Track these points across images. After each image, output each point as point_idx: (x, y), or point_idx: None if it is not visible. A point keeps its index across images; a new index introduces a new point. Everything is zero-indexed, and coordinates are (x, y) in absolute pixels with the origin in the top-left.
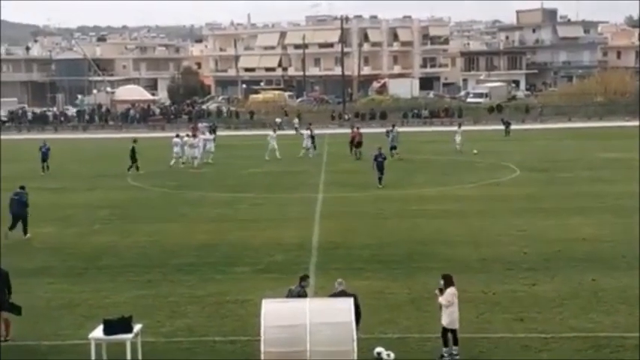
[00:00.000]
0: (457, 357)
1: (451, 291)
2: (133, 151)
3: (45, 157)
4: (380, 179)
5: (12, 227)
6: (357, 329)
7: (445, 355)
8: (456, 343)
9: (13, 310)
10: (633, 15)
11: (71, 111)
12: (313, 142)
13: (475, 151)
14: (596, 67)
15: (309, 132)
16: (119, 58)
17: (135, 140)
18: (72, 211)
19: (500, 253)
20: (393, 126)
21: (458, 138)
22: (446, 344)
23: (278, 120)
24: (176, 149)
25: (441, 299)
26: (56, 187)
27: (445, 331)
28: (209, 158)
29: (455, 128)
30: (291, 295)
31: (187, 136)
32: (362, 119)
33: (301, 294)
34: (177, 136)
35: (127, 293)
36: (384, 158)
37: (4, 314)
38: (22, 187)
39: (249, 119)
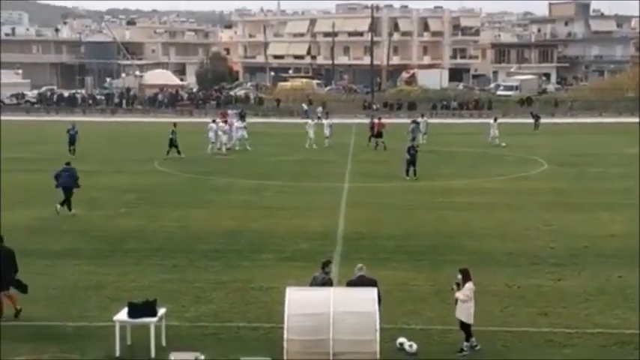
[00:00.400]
0: (477, 347)
1: (469, 286)
2: (172, 134)
3: (72, 140)
4: (408, 171)
5: (64, 202)
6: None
7: (465, 348)
8: (468, 338)
9: (19, 288)
10: None
11: (98, 93)
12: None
13: (504, 144)
14: (629, 62)
15: (329, 121)
16: (148, 42)
17: (175, 125)
18: (99, 194)
19: (526, 247)
20: (422, 115)
21: (493, 131)
22: (467, 338)
23: (305, 107)
24: (210, 134)
25: (459, 294)
26: (83, 170)
27: (464, 325)
28: (246, 145)
29: (490, 121)
30: (315, 282)
31: (217, 122)
32: (390, 109)
33: (326, 281)
34: (214, 121)
35: (153, 277)
36: (417, 150)
37: (8, 292)
38: (68, 163)
39: (275, 107)
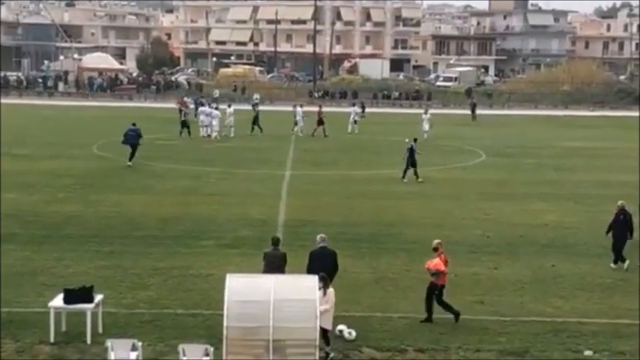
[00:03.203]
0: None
1: (332, 291)
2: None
3: None
4: (405, 172)
5: (132, 157)
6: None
7: (330, 352)
8: (329, 342)
9: None
10: (602, 6)
11: (35, 76)
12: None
13: (407, 140)
14: (564, 56)
15: (231, 109)
16: (88, 24)
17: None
18: (36, 179)
19: (464, 236)
20: (355, 105)
21: (425, 125)
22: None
23: (256, 96)
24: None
25: (325, 305)
26: (20, 154)
27: (325, 331)
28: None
29: (421, 112)
30: (265, 256)
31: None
32: (332, 98)
33: (278, 255)
34: (229, 105)
35: (89, 263)
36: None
37: None
38: (134, 124)
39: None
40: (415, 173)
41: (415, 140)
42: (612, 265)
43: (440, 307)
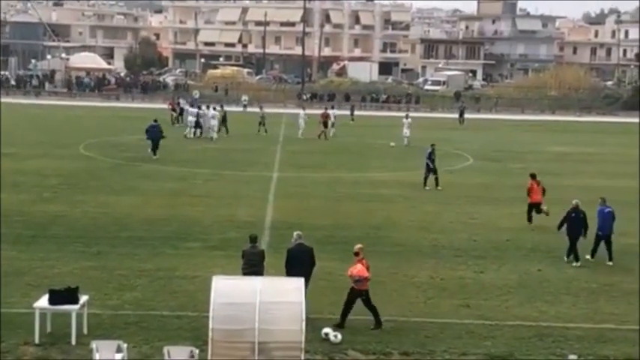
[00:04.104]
0: None
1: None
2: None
3: None
4: (427, 179)
5: (154, 150)
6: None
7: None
8: None
9: None
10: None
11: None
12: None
13: (392, 144)
14: (552, 62)
15: (214, 112)
16: (75, 24)
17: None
18: (23, 178)
19: (450, 239)
20: (333, 107)
21: (406, 130)
22: None
23: (245, 98)
24: (214, 122)
25: None
26: (7, 153)
27: None
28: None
29: (402, 117)
30: (244, 254)
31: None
32: (320, 100)
33: (256, 252)
34: (214, 108)
35: (75, 264)
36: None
37: None
38: (155, 120)
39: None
40: (436, 180)
41: (433, 146)
42: (565, 258)
43: (427, 310)
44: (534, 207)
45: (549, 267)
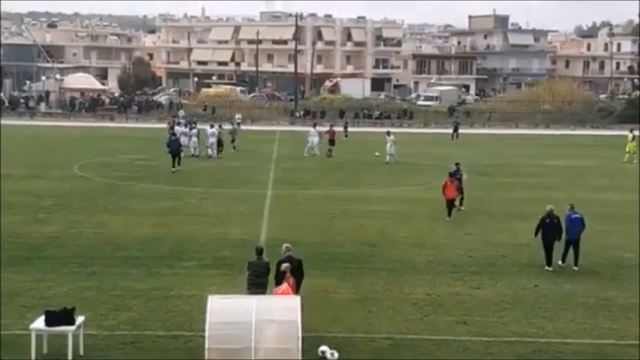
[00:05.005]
0: None
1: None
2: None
3: None
4: (462, 201)
5: (174, 164)
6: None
7: None
8: None
9: None
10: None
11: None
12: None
13: (377, 154)
14: (545, 75)
15: (195, 130)
16: (69, 45)
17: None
18: (17, 199)
19: (446, 255)
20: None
21: (389, 147)
22: None
23: (238, 116)
24: (212, 139)
25: None
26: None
27: None
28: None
29: (384, 134)
30: (250, 266)
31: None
32: (313, 117)
33: (262, 264)
34: (212, 126)
35: (70, 285)
36: (462, 175)
37: None
38: (174, 134)
39: (201, 112)
40: (461, 200)
41: (458, 165)
42: (547, 267)
43: (423, 327)
44: (450, 203)
45: (546, 282)
